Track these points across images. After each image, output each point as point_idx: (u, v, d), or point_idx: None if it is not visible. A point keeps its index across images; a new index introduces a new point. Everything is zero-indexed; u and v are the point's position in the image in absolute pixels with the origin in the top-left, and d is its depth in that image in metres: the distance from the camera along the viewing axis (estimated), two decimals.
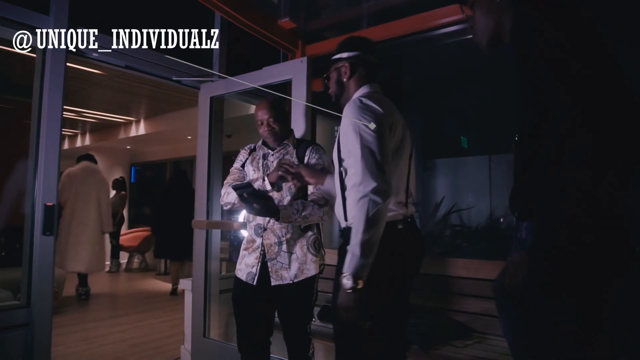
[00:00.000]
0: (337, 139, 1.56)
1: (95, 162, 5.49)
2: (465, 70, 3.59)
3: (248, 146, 2.16)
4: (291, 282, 1.87)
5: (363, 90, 1.63)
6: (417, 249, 1.60)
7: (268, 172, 1.96)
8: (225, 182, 2.09)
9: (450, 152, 3.72)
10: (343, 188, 1.52)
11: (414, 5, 2.53)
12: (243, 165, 2.09)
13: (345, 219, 1.54)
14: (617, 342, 0.94)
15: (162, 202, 5.93)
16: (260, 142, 2.09)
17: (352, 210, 1.43)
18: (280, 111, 2.01)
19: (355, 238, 1.34)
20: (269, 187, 1.89)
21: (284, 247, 1.89)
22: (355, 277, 1.33)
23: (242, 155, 2.12)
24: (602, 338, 0.92)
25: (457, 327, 2.36)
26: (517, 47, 0.94)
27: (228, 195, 2.00)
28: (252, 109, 4.79)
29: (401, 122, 1.57)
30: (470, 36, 1.17)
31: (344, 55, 1.66)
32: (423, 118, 3.91)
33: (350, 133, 1.44)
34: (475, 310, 2.38)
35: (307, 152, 1.98)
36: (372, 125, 1.42)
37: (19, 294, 2.29)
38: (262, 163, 2.02)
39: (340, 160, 1.52)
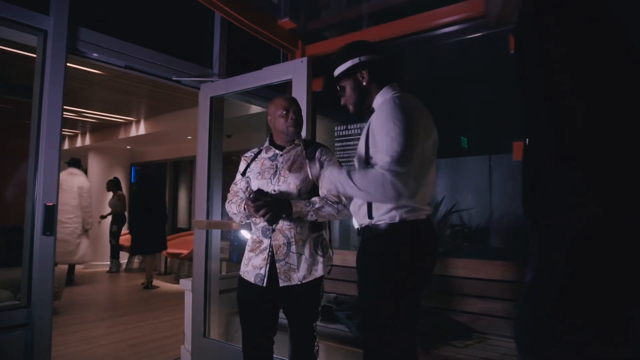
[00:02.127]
0: (364, 137, 1.53)
1: (80, 167, 6.24)
2: (465, 70, 3.59)
3: (250, 153, 2.08)
4: (299, 283, 1.86)
5: (388, 91, 1.58)
6: (434, 249, 1.60)
7: (278, 172, 1.93)
8: (228, 194, 2.06)
9: (450, 152, 3.71)
10: None
11: (414, 5, 2.53)
12: (244, 173, 2.03)
13: (370, 217, 1.52)
14: None
15: (132, 205, 6.64)
16: (267, 144, 2.03)
17: (374, 194, 1.41)
18: (300, 105, 2.04)
19: (351, 183, 1.41)
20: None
21: (293, 248, 1.88)
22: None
23: (242, 165, 2.07)
24: None
25: (457, 327, 2.36)
26: (517, 33, 0.89)
27: (231, 209, 2.01)
28: (252, 109, 4.79)
29: (432, 123, 1.55)
30: (470, 36, 1.15)
31: (361, 58, 1.60)
32: None
33: (385, 130, 1.41)
34: (475, 310, 2.38)
35: (318, 154, 1.96)
36: (407, 124, 1.40)
37: (19, 294, 2.29)
38: (271, 164, 1.97)
39: (368, 158, 1.51)
